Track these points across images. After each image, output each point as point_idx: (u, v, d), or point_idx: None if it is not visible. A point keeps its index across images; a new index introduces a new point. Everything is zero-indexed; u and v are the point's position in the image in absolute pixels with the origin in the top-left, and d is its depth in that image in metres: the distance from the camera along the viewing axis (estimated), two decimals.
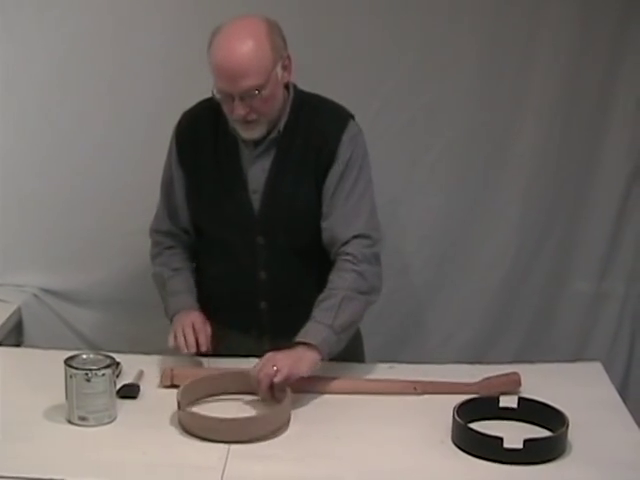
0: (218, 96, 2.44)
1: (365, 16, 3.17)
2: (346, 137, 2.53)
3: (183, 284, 2.66)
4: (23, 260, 3.29)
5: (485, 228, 3.38)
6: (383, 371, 2.57)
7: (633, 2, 3.18)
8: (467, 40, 3.20)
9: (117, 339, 3.21)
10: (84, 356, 2.26)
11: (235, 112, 2.43)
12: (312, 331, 2.39)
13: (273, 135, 2.54)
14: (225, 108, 2.48)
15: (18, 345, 3.15)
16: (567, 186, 3.36)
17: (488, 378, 2.41)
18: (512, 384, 2.40)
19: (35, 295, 3.30)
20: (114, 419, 2.25)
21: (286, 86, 2.54)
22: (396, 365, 2.60)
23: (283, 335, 2.54)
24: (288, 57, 2.48)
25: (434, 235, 3.38)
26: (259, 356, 2.44)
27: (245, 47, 2.38)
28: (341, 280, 2.47)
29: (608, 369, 2.62)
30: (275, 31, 2.45)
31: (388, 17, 3.17)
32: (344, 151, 2.52)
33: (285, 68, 2.48)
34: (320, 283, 2.49)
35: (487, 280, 3.42)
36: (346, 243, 2.51)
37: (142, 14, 3.14)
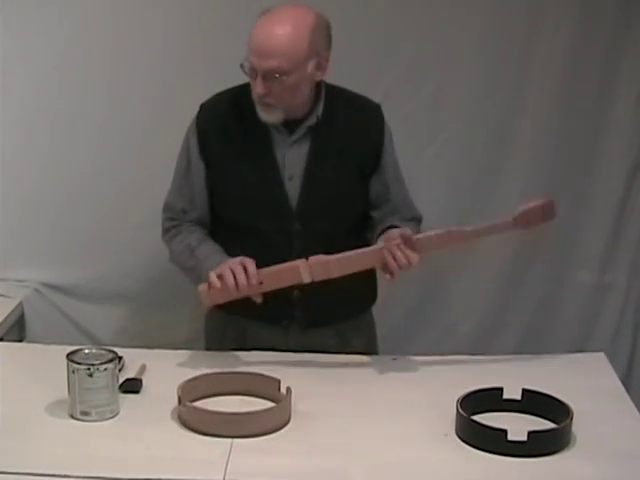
0: (247, 70, 2.46)
1: (366, 8, 3.16)
2: (387, 131, 2.65)
3: (214, 247, 2.59)
4: (25, 255, 3.29)
5: (487, 220, 3.37)
6: (386, 364, 2.57)
7: (632, 1, 3.18)
8: (469, 33, 3.21)
9: (119, 334, 3.22)
10: (86, 351, 2.26)
11: (255, 89, 2.46)
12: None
13: (310, 122, 2.55)
14: (252, 85, 2.49)
15: (20, 340, 3.15)
16: (569, 178, 3.36)
17: (522, 212, 2.45)
18: (548, 212, 2.43)
19: (37, 290, 3.30)
20: (116, 414, 2.24)
21: (318, 81, 2.56)
22: (400, 357, 2.60)
23: (311, 326, 2.56)
24: (326, 58, 2.51)
25: (437, 226, 3.36)
26: (283, 350, 2.54)
27: (282, 30, 2.42)
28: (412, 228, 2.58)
29: (611, 360, 2.62)
30: (321, 29, 2.48)
31: (389, 9, 3.16)
32: (388, 144, 2.65)
33: (319, 68, 2.50)
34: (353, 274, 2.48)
35: (489, 272, 3.42)
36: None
37: (141, 12, 3.14)
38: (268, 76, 2.43)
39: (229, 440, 2.13)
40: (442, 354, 2.69)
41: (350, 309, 2.67)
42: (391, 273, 2.44)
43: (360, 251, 2.46)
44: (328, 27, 2.52)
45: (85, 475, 2.00)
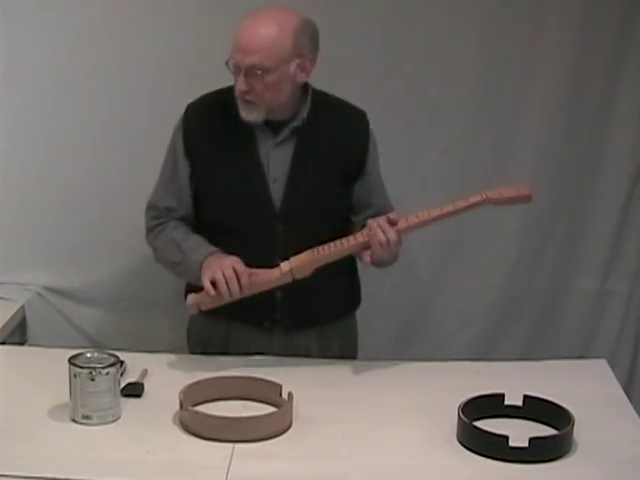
0: (231, 67, 2.49)
1: (367, 14, 3.16)
2: (371, 137, 2.66)
3: (200, 240, 2.60)
4: (26, 258, 3.28)
5: (489, 225, 3.38)
6: (388, 369, 2.57)
7: (636, 1, 3.18)
8: (470, 38, 3.21)
9: (121, 337, 3.21)
10: (88, 355, 2.26)
11: (237, 86, 2.49)
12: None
13: (296, 124, 2.57)
14: (235, 82, 2.52)
15: (22, 344, 3.14)
16: (571, 184, 3.36)
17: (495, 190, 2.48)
18: (521, 195, 2.47)
19: (39, 293, 3.29)
20: (118, 418, 2.24)
21: (304, 83, 2.57)
22: (401, 362, 2.60)
23: (295, 328, 2.57)
24: (310, 60, 2.53)
25: (437, 232, 3.37)
26: (267, 352, 2.56)
27: (266, 29, 2.46)
28: None
29: (613, 366, 2.62)
30: (305, 31, 2.51)
31: (390, 15, 3.17)
32: (372, 150, 2.66)
33: (303, 69, 2.52)
34: (335, 274, 2.51)
35: (491, 278, 3.42)
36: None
37: (145, 13, 3.14)
38: (250, 73, 2.46)
39: (230, 444, 2.13)
40: (444, 361, 2.69)
41: (332, 312, 2.70)
42: (371, 254, 2.45)
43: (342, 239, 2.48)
44: (314, 31, 2.54)
45: (87, 479, 2.00)
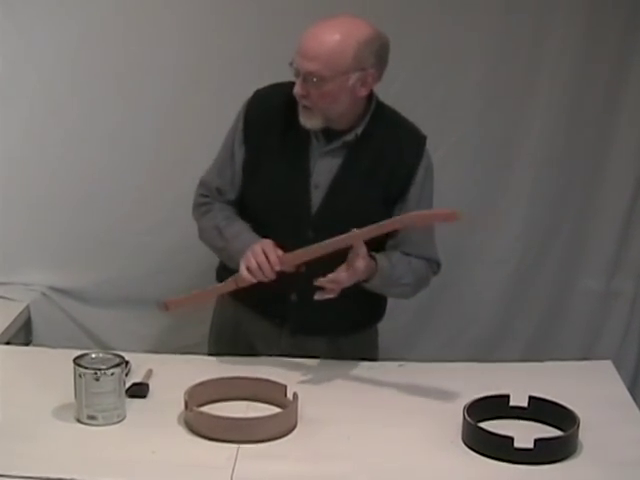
0: (293, 69, 2.46)
1: (373, 16, 3.15)
2: (424, 163, 2.60)
3: (244, 226, 2.60)
4: (32, 259, 3.29)
5: (493, 226, 3.38)
6: (393, 369, 2.57)
7: None
8: (475, 40, 3.21)
9: (126, 338, 3.21)
10: (93, 355, 2.26)
11: (295, 88, 2.47)
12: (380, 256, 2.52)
13: (349, 138, 2.54)
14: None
15: (27, 344, 3.15)
16: (576, 184, 3.36)
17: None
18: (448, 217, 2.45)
19: (44, 294, 3.30)
20: (123, 418, 2.24)
21: (369, 97, 2.54)
22: (406, 363, 2.60)
23: (304, 329, 2.56)
24: (374, 76, 2.48)
25: (443, 233, 3.37)
26: (277, 350, 2.58)
27: (329, 37, 2.42)
28: (416, 261, 2.63)
29: (618, 368, 2.61)
30: (372, 45, 2.45)
31: (396, 15, 3.16)
32: (421, 176, 2.60)
33: (364, 83, 2.47)
34: (353, 290, 2.47)
35: (496, 278, 3.42)
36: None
37: (152, 12, 3.14)
38: (307, 78, 2.43)
39: (235, 445, 2.13)
40: (448, 361, 2.69)
41: (346, 324, 2.64)
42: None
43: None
44: (382, 45, 2.49)
45: (91, 479, 2.00)
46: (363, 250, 2.41)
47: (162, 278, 3.20)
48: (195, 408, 2.20)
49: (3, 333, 2.90)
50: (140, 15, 3.14)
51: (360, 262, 2.40)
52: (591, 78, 3.26)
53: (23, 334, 3.16)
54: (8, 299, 3.19)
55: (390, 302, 3.37)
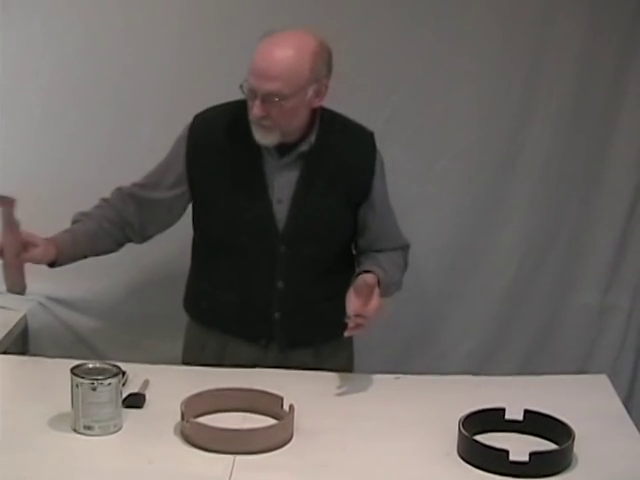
0: (246, 91, 2.46)
1: (374, 25, 3.17)
2: (378, 161, 2.64)
3: (76, 227, 2.63)
4: (29, 267, 3.27)
5: (491, 238, 3.39)
6: (389, 382, 2.57)
7: None
8: (475, 49, 3.22)
9: (123, 348, 3.21)
10: (90, 365, 2.26)
11: (253, 111, 2.45)
12: (373, 267, 2.55)
13: (303, 148, 2.55)
14: (249, 106, 2.49)
15: (24, 353, 3.15)
16: (573, 197, 3.37)
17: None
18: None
19: (41, 303, 3.30)
20: (120, 428, 2.24)
21: (315, 107, 2.55)
22: (402, 376, 2.61)
23: (291, 346, 2.57)
24: (326, 85, 2.50)
25: (441, 245, 3.39)
26: (263, 366, 2.55)
27: (284, 54, 2.42)
28: (395, 255, 2.70)
29: (613, 381, 2.62)
30: (323, 55, 2.47)
31: (397, 25, 3.18)
32: (379, 176, 2.64)
33: (318, 94, 2.49)
34: (334, 297, 2.49)
35: (492, 290, 3.43)
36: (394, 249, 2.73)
37: (150, 19, 3.15)
38: (267, 99, 2.42)
39: (231, 456, 2.13)
40: (444, 374, 2.69)
41: (330, 332, 2.64)
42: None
43: None
44: (330, 54, 2.51)
45: None
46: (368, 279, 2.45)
47: (160, 288, 3.20)
48: (192, 419, 2.20)
49: (0, 342, 2.90)
50: (139, 23, 3.15)
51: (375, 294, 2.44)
52: (591, 92, 3.26)
53: (20, 343, 3.16)
54: (5, 308, 3.18)
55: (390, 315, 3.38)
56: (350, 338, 2.76)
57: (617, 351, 3.46)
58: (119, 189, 2.69)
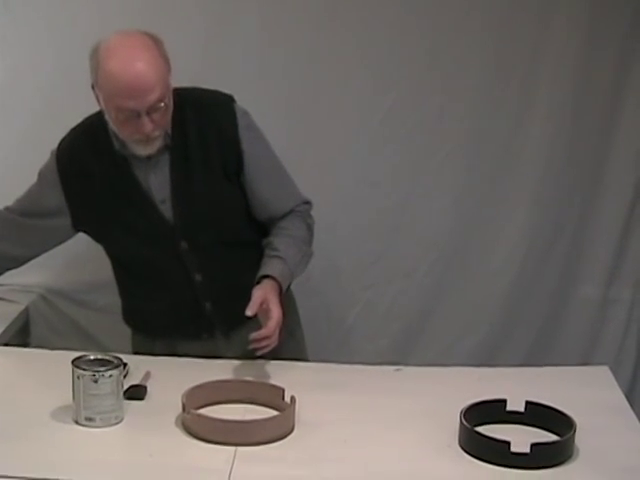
0: (120, 117, 2.39)
1: (373, 20, 3.17)
2: (241, 124, 2.55)
3: None
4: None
5: (492, 233, 3.39)
6: (390, 374, 2.57)
7: None
8: (475, 44, 3.21)
9: (124, 340, 3.21)
10: (91, 357, 2.26)
11: (143, 129, 2.40)
12: (271, 265, 2.49)
13: (165, 141, 2.50)
14: (124, 128, 2.42)
15: (25, 345, 3.14)
16: (575, 191, 3.36)
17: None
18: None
19: (42, 296, 3.31)
20: (121, 420, 2.24)
21: None
22: (403, 368, 2.61)
23: (234, 328, 2.58)
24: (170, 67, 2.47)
25: (440, 239, 3.38)
26: (219, 357, 2.56)
27: (143, 60, 2.36)
28: (294, 227, 2.61)
29: (615, 373, 2.61)
30: (158, 40, 2.44)
31: (396, 20, 3.17)
32: (247, 139, 2.55)
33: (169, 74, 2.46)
34: (254, 264, 2.50)
35: (494, 285, 3.42)
36: (291, 211, 2.64)
37: (151, 17, 3.14)
38: (153, 110, 2.38)
39: (233, 448, 2.13)
40: (446, 366, 2.69)
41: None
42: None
43: None
44: (155, 35, 2.47)
45: None
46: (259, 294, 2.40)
47: None
48: (193, 411, 2.20)
49: (1, 335, 2.89)
50: (139, 18, 3.14)
51: (273, 307, 2.40)
52: (591, 89, 3.26)
53: (21, 336, 3.16)
54: (6, 301, 3.19)
55: (388, 307, 3.39)
56: (289, 294, 2.71)
57: (619, 344, 3.46)
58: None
